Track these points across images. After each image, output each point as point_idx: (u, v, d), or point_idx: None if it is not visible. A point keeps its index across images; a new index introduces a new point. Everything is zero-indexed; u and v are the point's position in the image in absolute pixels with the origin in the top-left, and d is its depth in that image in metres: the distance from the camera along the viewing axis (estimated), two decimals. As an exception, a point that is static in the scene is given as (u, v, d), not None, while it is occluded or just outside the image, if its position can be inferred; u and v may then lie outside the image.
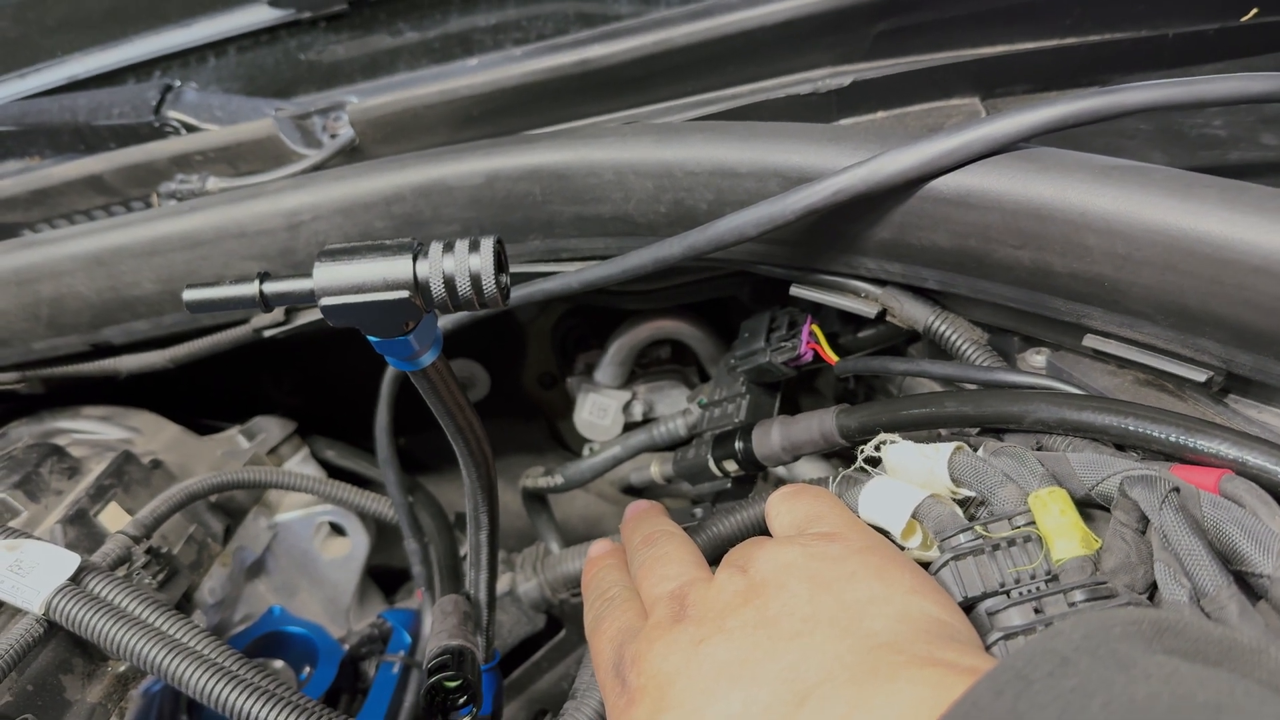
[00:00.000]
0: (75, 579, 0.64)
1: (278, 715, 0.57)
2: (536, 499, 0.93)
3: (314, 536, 0.89)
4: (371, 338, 0.44)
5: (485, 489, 0.59)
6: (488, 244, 0.42)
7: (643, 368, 0.98)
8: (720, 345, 0.93)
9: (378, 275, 0.41)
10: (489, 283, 0.42)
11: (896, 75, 0.74)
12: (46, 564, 0.64)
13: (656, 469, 0.85)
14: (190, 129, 0.86)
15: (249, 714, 0.57)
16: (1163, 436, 0.46)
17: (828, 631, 0.39)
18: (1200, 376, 0.50)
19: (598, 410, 0.94)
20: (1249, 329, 0.46)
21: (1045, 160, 0.52)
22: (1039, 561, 0.45)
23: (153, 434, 0.87)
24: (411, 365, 0.47)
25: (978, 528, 0.47)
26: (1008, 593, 0.45)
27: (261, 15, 0.95)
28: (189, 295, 0.44)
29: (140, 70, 0.98)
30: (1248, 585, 0.42)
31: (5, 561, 0.64)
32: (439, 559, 0.86)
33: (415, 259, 0.42)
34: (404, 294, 0.41)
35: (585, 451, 0.93)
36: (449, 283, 0.42)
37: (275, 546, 0.88)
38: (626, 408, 0.95)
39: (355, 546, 0.90)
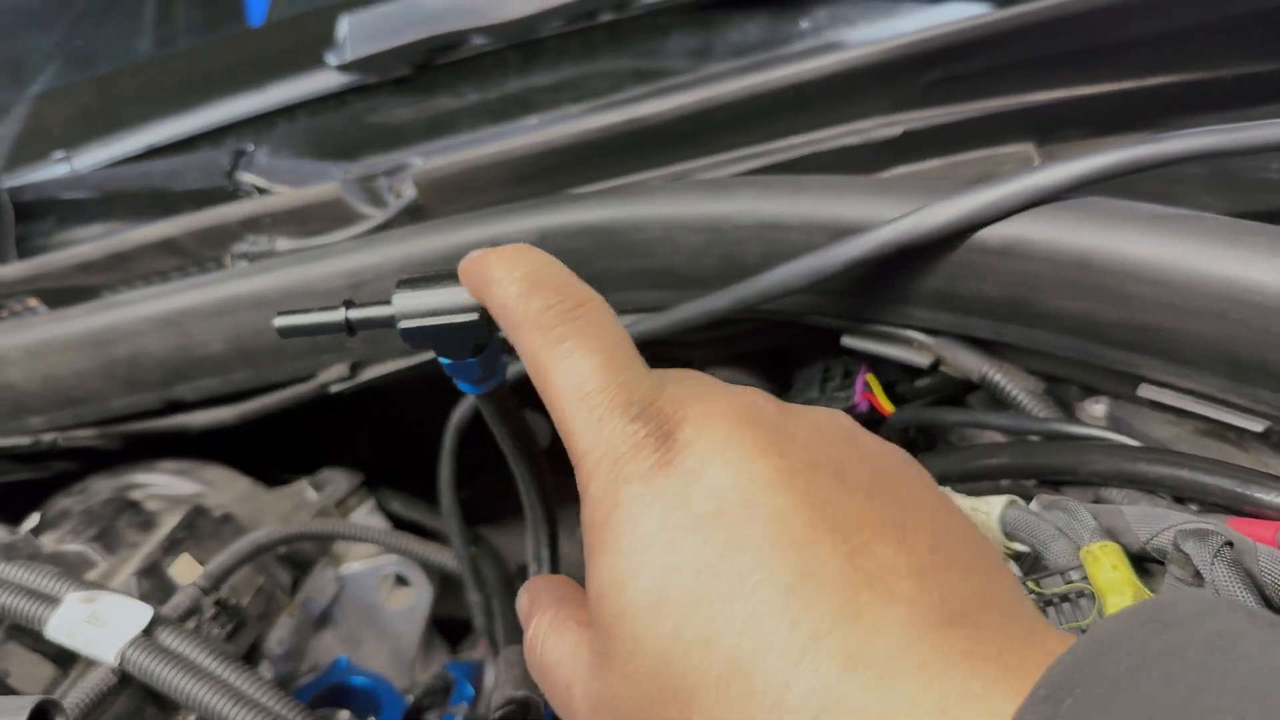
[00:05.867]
0: (148, 631, 0.66)
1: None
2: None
3: (379, 588, 0.90)
4: (443, 359, 0.46)
5: (546, 520, 0.60)
6: None
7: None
8: (776, 395, 0.93)
9: (450, 300, 0.43)
10: None
11: (948, 124, 0.74)
12: (121, 616, 0.66)
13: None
14: (262, 191, 0.89)
15: (309, 766, 0.58)
16: (1219, 487, 0.45)
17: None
18: (1258, 427, 0.49)
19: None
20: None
21: (1092, 210, 0.51)
22: (1092, 617, 0.44)
23: (224, 487, 0.90)
24: (479, 388, 0.48)
25: (1030, 583, 0.46)
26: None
27: (330, 81, 0.98)
28: (279, 322, 0.46)
29: (214, 136, 1.02)
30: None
31: (82, 614, 0.66)
32: (501, 610, 0.87)
33: None
34: (474, 316, 0.43)
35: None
36: None
37: (342, 597, 0.90)
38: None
39: (419, 598, 0.91)
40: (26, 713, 0.50)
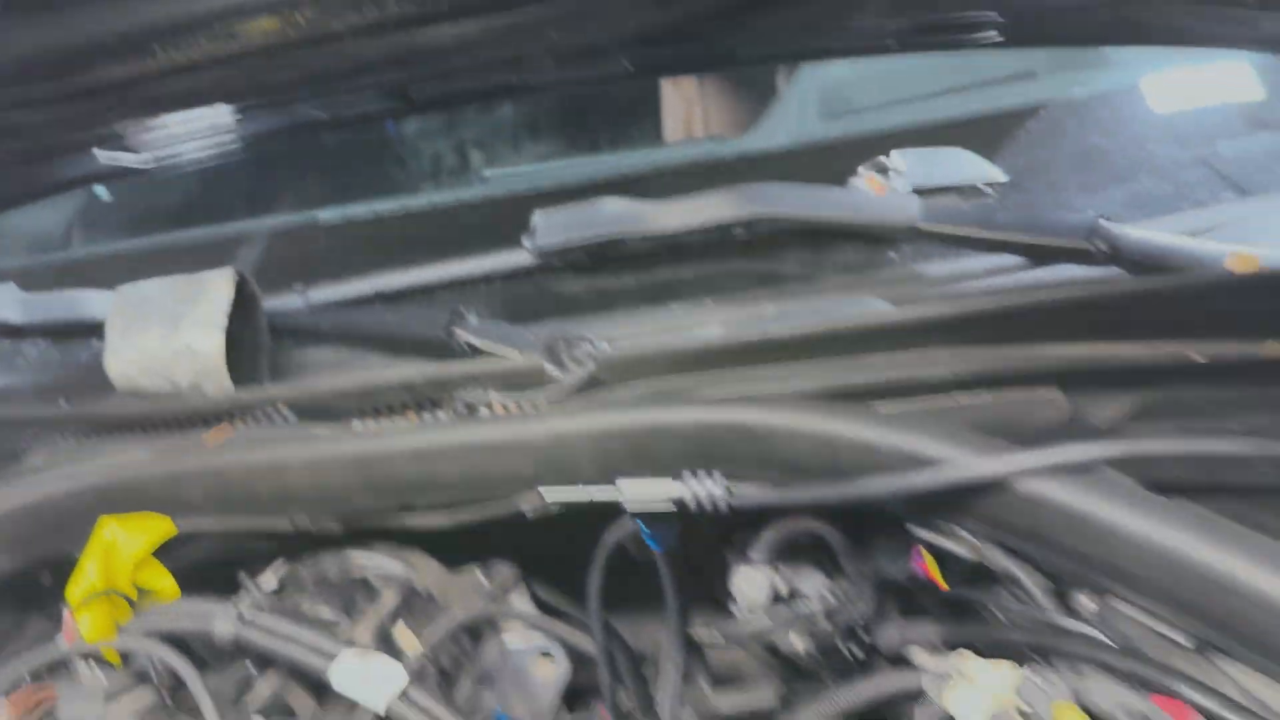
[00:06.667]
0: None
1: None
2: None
3: (531, 659, 1.17)
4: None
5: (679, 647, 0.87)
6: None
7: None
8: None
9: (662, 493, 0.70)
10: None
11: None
12: (383, 674, 0.94)
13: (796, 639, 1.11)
14: (474, 349, 1.18)
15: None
16: (1148, 677, 0.72)
17: None
18: (1190, 645, 0.75)
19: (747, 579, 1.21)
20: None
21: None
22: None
23: (423, 570, 1.17)
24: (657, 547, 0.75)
25: None
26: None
27: (523, 259, 1.28)
28: (549, 495, 0.73)
29: (429, 291, 1.32)
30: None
31: (355, 667, 0.94)
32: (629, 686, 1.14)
33: None
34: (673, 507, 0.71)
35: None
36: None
37: (503, 665, 1.17)
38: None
39: (560, 670, 1.18)
40: None
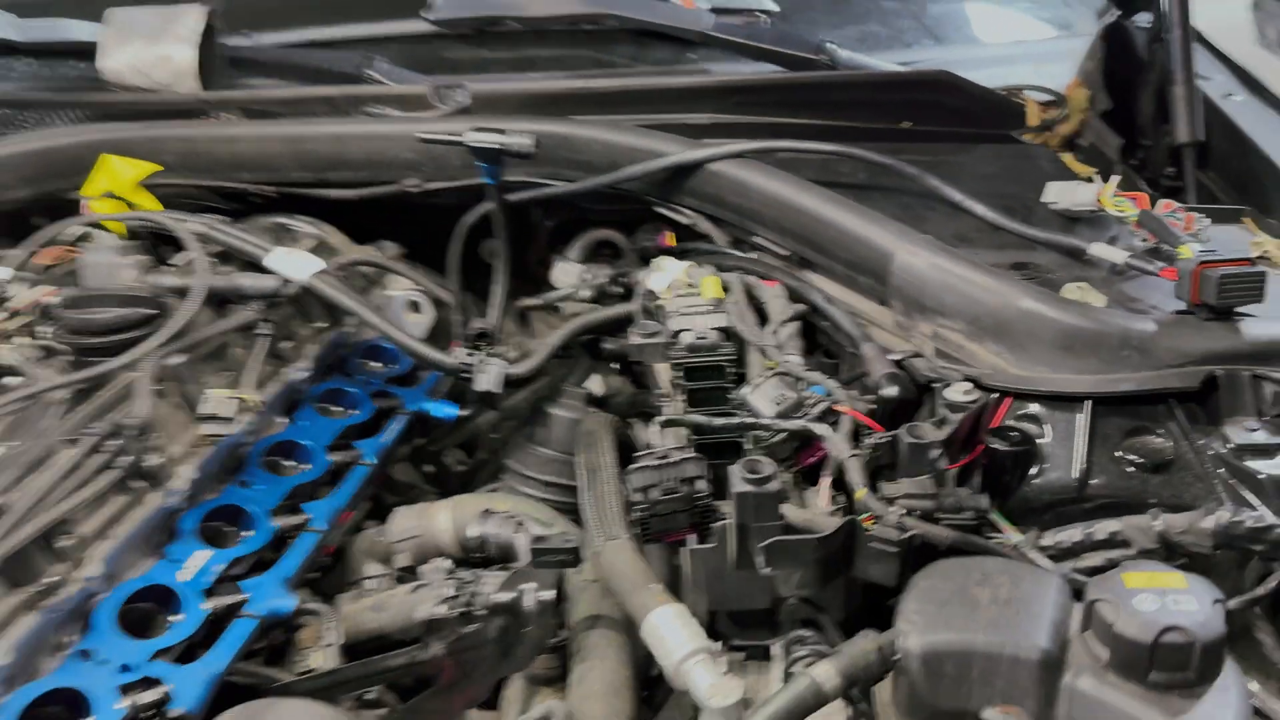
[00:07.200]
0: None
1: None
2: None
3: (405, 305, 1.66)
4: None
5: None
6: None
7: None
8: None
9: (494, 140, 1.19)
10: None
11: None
12: (306, 261, 1.41)
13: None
14: (377, 83, 1.65)
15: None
16: (765, 273, 1.25)
17: None
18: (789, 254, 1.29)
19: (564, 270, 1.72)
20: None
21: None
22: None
23: (333, 234, 1.64)
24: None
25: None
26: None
27: (421, 26, 1.74)
28: (421, 136, 1.22)
29: (347, 45, 1.77)
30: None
31: (285, 256, 1.41)
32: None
33: None
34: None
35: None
36: None
37: (386, 306, 1.66)
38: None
39: (427, 317, 1.66)
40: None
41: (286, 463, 1.25)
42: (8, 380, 1.15)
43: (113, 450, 1.01)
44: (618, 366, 1.53)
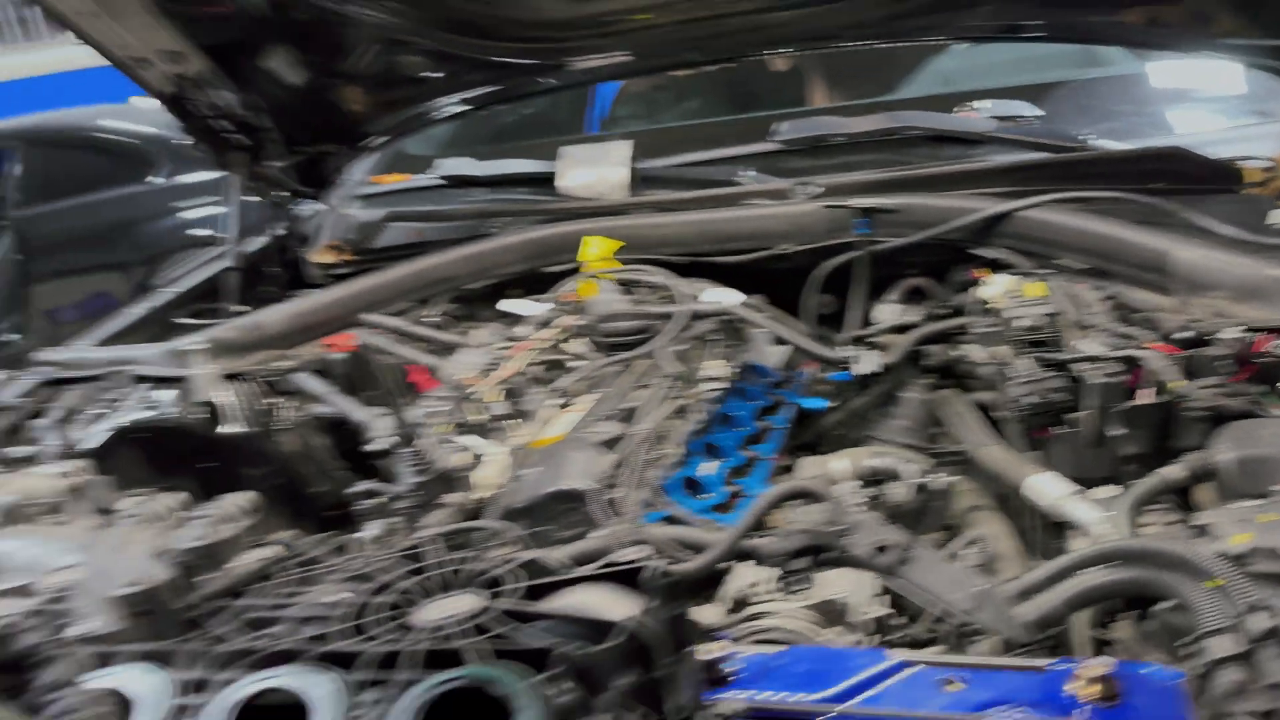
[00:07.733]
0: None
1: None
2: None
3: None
4: None
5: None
6: None
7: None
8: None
9: None
10: None
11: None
12: (729, 297, 2.04)
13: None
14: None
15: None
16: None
17: None
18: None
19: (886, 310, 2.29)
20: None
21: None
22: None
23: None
24: None
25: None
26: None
27: (770, 146, 2.41)
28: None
29: (720, 161, 2.45)
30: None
31: (714, 291, 2.05)
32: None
33: None
34: None
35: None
36: None
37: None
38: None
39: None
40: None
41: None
42: (572, 363, 1.83)
43: (673, 391, 1.66)
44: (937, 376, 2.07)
